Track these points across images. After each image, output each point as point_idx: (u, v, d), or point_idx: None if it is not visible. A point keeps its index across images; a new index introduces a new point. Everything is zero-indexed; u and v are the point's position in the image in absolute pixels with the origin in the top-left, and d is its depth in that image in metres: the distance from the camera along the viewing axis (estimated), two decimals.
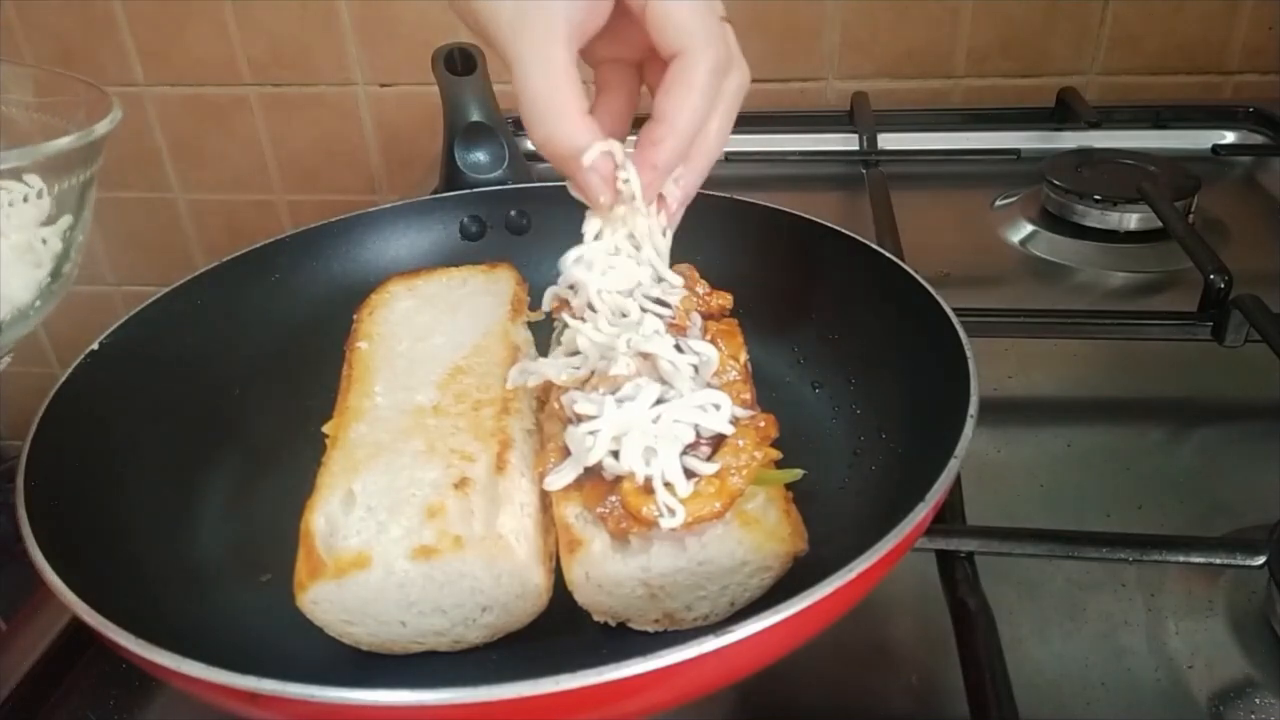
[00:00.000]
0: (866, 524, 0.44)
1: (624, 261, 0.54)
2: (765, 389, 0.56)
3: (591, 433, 0.46)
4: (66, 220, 0.60)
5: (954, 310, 0.54)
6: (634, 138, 0.51)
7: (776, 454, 0.50)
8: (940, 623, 0.50)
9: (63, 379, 0.54)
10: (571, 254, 0.55)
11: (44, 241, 0.59)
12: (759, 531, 0.47)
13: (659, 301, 0.54)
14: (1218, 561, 0.51)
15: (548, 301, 0.57)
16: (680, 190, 0.53)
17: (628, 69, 0.55)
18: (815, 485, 0.53)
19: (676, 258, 0.60)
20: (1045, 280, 0.88)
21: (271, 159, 1.34)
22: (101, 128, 0.57)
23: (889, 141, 1.07)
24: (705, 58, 0.48)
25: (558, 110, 0.48)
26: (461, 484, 0.49)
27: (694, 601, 0.47)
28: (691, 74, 0.48)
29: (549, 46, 0.48)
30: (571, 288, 0.54)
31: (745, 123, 1.14)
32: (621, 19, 0.50)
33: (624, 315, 0.53)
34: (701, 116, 0.50)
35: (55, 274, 0.61)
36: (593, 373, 0.51)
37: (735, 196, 0.70)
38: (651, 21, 0.49)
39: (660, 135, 0.49)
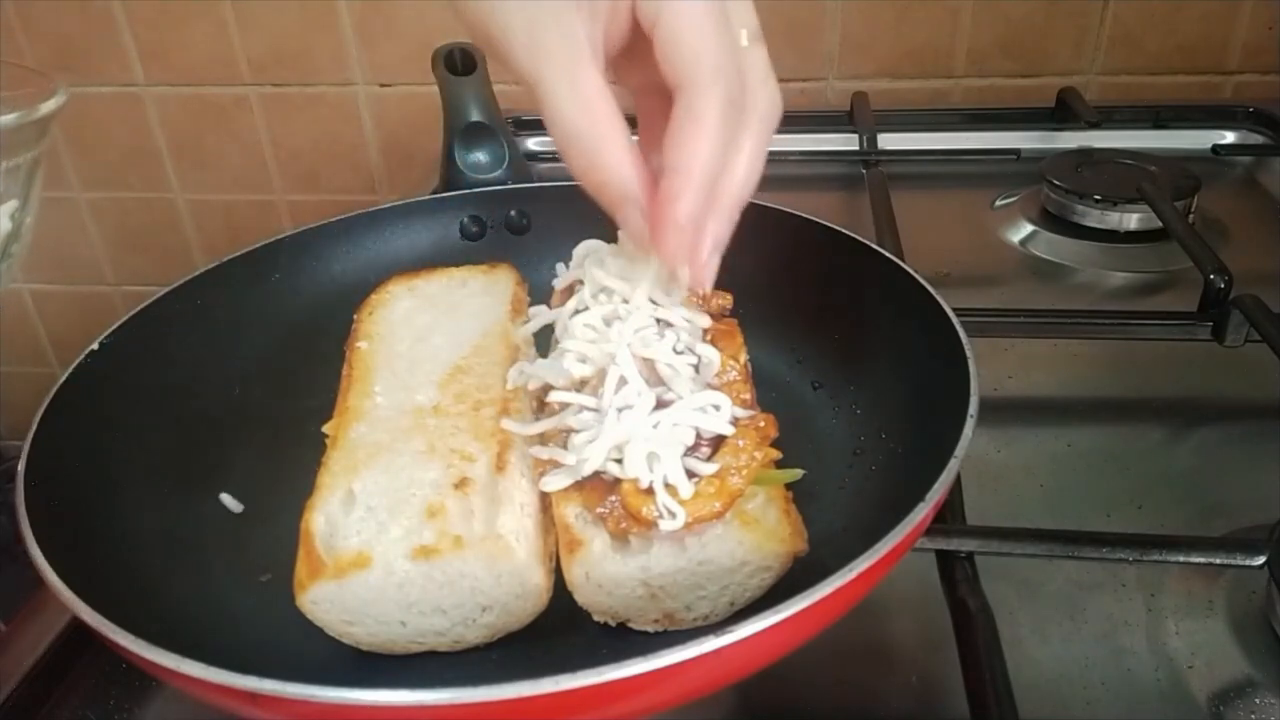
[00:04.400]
0: (866, 524, 0.44)
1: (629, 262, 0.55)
2: (765, 389, 0.56)
3: (590, 442, 0.47)
4: (14, 203, 0.61)
5: (954, 310, 0.54)
6: None
7: (776, 454, 0.50)
8: (940, 623, 0.50)
9: (63, 379, 0.54)
10: (583, 247, 0.55)
11: None
12: (759, 531, 0.47)
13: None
14: (1218, 561, 0.51)
15: (560, 282, 0.57)
16: (708, 239, 0.46)
17: (667, 98, 0.46)
18: (815, 485, 0.53)
19: None
20: (1045, 280, 0.88)
21: (271, 159, 1.34)
22: (46, 106, 0.58)
23: (889, 141, 1.07)
24: (713, 94, 0.42)
25: (597, 142, 0.43)
26: (461, 484, 0.49)
27: (694, 601, 0.47)
28: (700, 113, 0.43)
29: (576, 69, 0.43)
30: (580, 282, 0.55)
31: None
32: (644, 40, 0.44)
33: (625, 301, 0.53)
34: (718, 160, 0.44)
35: (3, 254, 0.62)
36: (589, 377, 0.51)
37: None
38: (658, 45, 0.43)
39: (676, 190, 0.43)
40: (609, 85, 0.44)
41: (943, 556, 0.53)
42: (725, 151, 0.44)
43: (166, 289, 0.63)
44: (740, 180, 0.46)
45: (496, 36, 0.44)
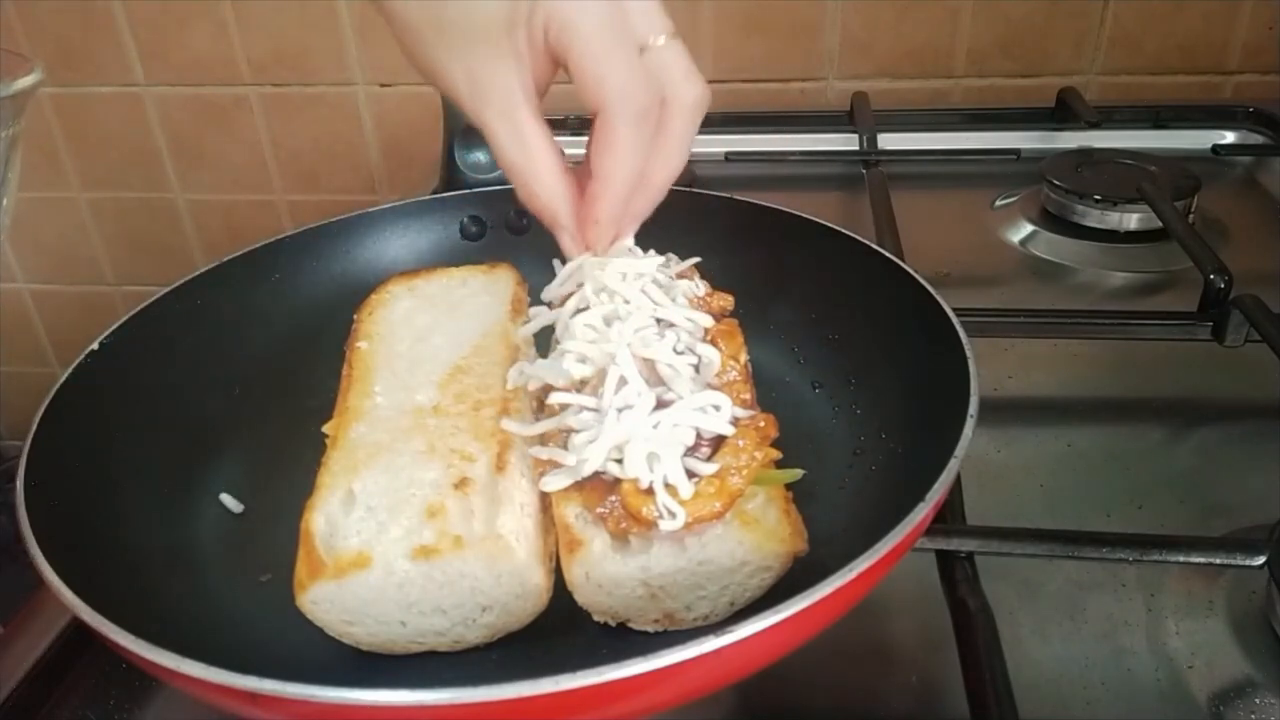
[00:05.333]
0: (866, 524, 0.44)
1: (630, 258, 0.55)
2: (765, 389, 0.56)
3: (590, 442, 0.47)
4: None
5: (954, 310, 0.54)
6: None
7: (776, 454, 0.50)
8: (940, 623, 0.50)
9: (63, 379, 0.54)
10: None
11: None
12: (759, 531, 0.47)
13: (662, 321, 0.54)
14: (1218, 561, 0.51)
15: (552, 293, 0.57)
16: (631, 213, 0.54)
17: None
18: (815, 485, 0.53)
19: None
20: (1045, 280, 0.88)
21: (271, 159, 1.34)
22: (20, 83, 0.59)
23: (889, 141, 1.07)
24: (622, 111, 0.49)
25: (534, 176, 0.51)
26: (461, 484, 0.49)
27: (694, 601, 0.47)
28: (611, 131, 0.49)
29: (513, 112, 0.50)
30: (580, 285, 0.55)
31: (745, 123, 1.16)
32: None
33: (626, 301, 0.53)
34: (632, 166, 0.51)
35: None
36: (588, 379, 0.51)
37: (735, 196, 0.70)
38: (571, 76, 0.50)
39: (596, 192, 0.51)
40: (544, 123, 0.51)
41: (943, 556, 0.53)
42: (642, 154, 0.51)
43: (166, 289, 0.63)
44: (663, 171, 0.53)
45: (443, 85, 0.51)
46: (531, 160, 0.51)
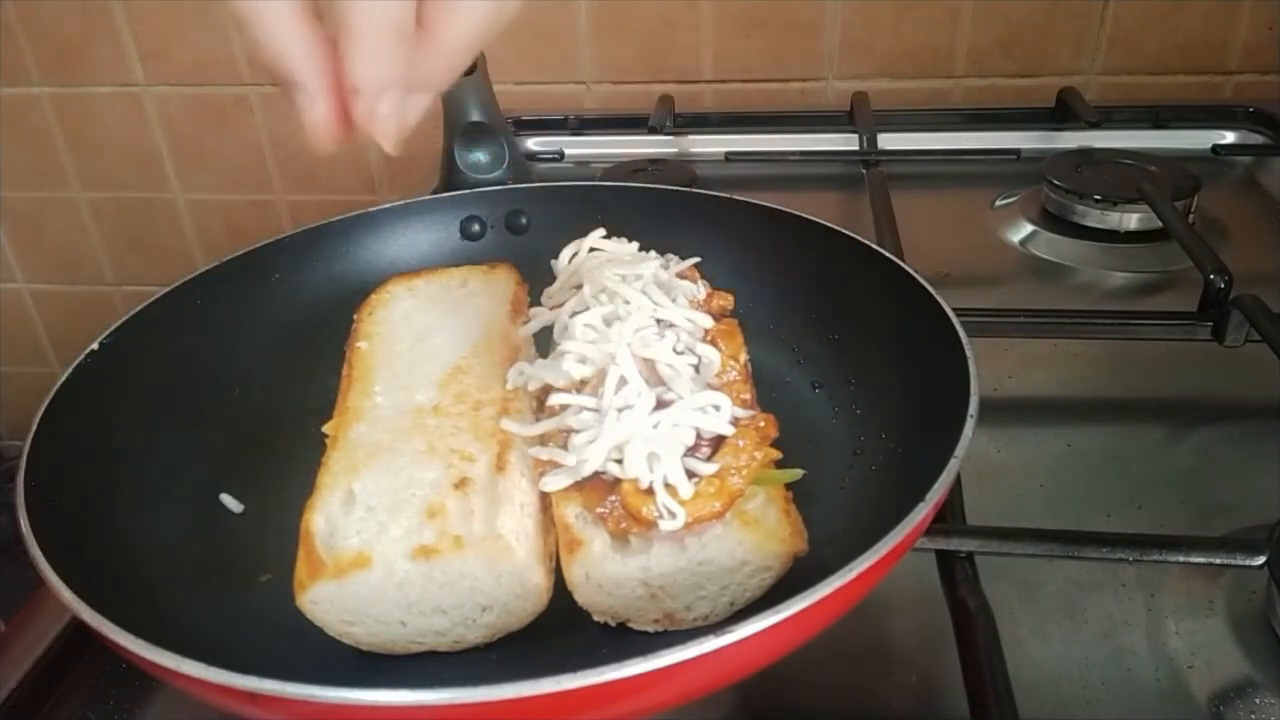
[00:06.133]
0: (866, 524, 0.44)
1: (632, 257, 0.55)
2: (765, 389, 0.56)
3: (590, 442, 0.47)
4: None
5: (954, 310, 0.54)
6: None
7: (776, 454, 0.50)
8: (940, 623, 0.50)
9: (63, 379, 0.54)
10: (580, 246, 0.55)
11: None
12: (759, 531, 0.47)
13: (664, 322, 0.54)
14: (1218, 561, 0.51)
15: (551, 294, 0.57)
16: (417, 80, 0.40)
17: None
18: (815, 485, 0.53)
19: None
20: (1045, 280, 0.88)
21: (271, 159, 1.33)
22: None
23: (889, 141, 1.07)
24: None
25: (262, 23, 0.38)
26: (461, 484, 0.49)
27: (694, 601, 0.47)
28: None
29: None
30: (578, 286, 0.55)
31: (745, 123, 1.15)
32: None
33: (626, 302, 0.53)
34: (387, 7, 0.37)
35: None
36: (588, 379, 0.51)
37: (735, 196, 0.70)
38: None
39: (344, 47, 0.38)
40: None
41: (943, 556, 0.53)
42: None
43: (166, 289, 0.63)
44: (464, 16, 0.39)
45: None
46: (258, 4, 0.38)
